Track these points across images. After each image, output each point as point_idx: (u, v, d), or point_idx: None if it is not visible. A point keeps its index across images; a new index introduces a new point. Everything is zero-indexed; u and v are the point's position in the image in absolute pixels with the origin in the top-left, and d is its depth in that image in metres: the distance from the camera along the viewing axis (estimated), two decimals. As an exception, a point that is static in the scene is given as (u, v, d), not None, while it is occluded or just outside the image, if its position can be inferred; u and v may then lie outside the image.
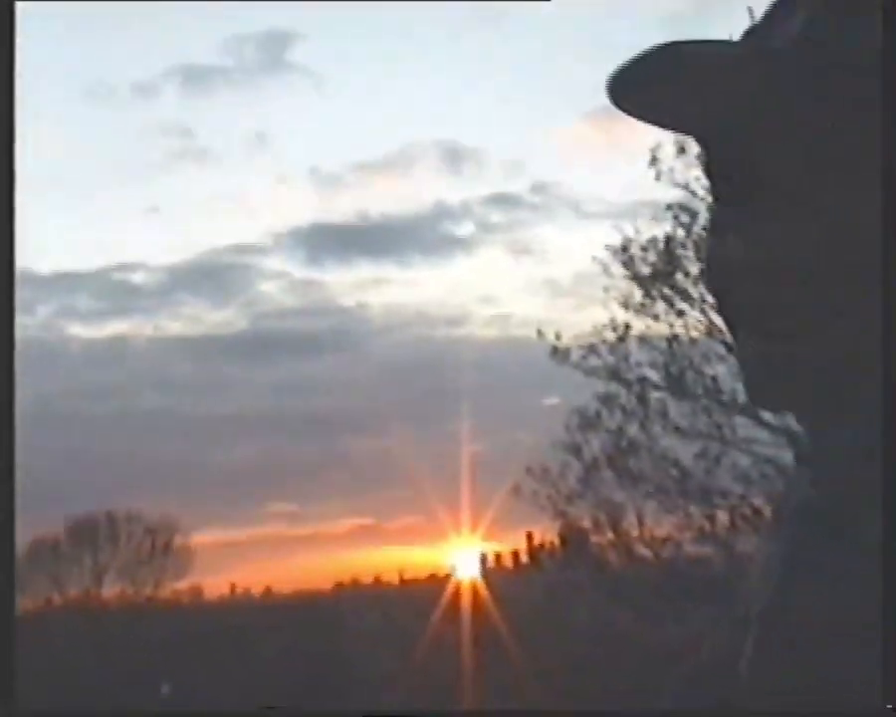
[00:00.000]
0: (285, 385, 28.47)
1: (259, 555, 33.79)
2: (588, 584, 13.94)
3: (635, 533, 13.05)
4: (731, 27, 0.87)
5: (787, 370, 0.79)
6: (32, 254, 32.65)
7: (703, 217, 11.10)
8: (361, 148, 37.47)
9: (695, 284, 11.74)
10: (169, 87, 39.58)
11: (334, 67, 33.88)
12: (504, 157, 36.89)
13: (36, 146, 25.38)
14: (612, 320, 12.58)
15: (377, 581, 26.50)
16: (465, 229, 35.63)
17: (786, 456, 11.13)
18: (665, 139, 11.38)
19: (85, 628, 19.92)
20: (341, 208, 35.77)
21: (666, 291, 12.39)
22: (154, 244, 36.76)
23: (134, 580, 22.39)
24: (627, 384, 12.62)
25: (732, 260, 0.79)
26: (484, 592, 17.42)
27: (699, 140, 0.85)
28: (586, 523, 13.31)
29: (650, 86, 0.78)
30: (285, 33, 34.04)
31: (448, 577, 19.28)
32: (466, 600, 17.34)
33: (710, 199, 0.86)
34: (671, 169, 11.80)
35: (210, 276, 29.43)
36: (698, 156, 9.63)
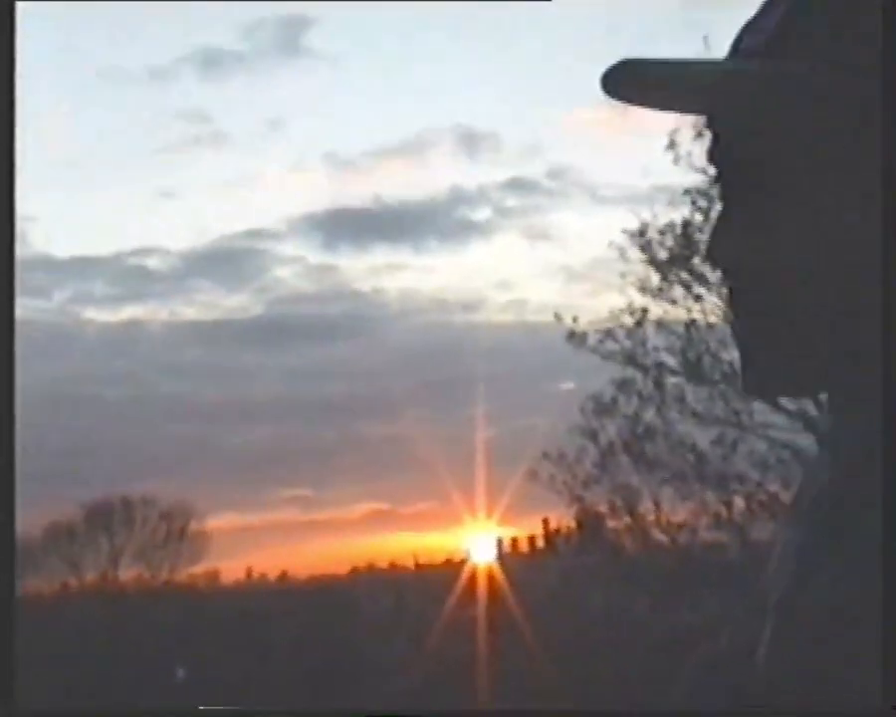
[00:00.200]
0: (300, 371, 28.51)
1: (275, 540, 33.93)
2: (604, 569, 13.95)
3: (651, 518, 13.04)
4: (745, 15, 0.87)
5: (794, 355, 0.78)
6: (48, 239, 32.88)
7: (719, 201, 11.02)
8: (377, 133, 37.36)
9: (712, 269, 11.68)
10: (185, 71, 39.53)
11: (350, 51, 33.78)
12: (520, 142, 36.83)
13: (52, 132, 25.49)
14: (630, 304, 12.56)
15: (393, 566, 26.55)
16: (481, 214, 35.63)
17: (804, 441, 11.09)
18: (683, 123, 11.31)
19: (102, 612, 20.00)
20: (357, 193, 35.74)
21: (684, 275, 12.36)
22: (170, 229, 36.77)
23: (150, 564, 22.48)
24: (644, 369, 12.60)
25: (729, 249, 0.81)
26: (500, 577, 17.42)
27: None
28: (602, 508, 13.31)
29: (646, 76, 0.78)
30: (301, 18, 34.00)
31: (464, 562, 19.29)
32: (482, 586, 17.35)
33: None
34: (689, 153, 11.75)
35: (225, 261, 29.47)
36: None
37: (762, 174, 0.78)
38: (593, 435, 12.83)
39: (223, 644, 18.27)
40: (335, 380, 27.96)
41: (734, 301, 0.82)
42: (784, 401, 11.30)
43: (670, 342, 12.52)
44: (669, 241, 12.39)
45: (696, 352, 12.32)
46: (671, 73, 0.78)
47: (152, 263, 33.54)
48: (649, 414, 12.62)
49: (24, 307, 23.31)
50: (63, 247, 42.16)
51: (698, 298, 12.30)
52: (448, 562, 22.68)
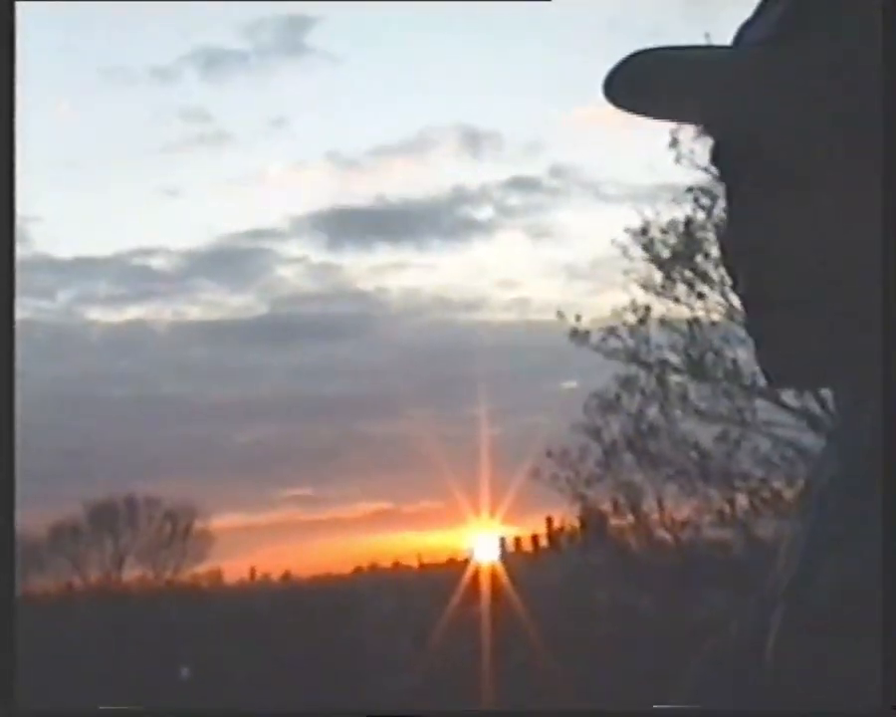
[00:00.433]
0: (303, 370, 28.52)
1: (278, 539, 33.92)
2: (608, 567, 13.96)
3: (655, 516, 13.06)
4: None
5: (807, 346, 0.78)
6: (51, 239, 32.86)
7: (723, 200, 11.03)
8: (380, 132, 37.25)
9: (716, 266, 11.69)
10: (188, 71, 39.51)
11: (352, 50, 33.73)
12: (522, 140, 36.75)
13: (55, 131, 25.47)
14: (632, 302, 12.57)
15: (396, 565, 26.56)
16: (484, 213, 35.51)
17: (807, 439, 11.09)
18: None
19: (106, 612, 20.04)
20: (360, 192, 35.67)
21: (687, 273, 12.36)
22: (173, 229, 36.73)
23: (155, 563, 22.51)
24: (647, 367, 12.61)
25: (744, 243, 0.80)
26: (503, 575, 17.42)
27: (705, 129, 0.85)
28: (606, 506, 13.33)
29: (646, 82, 0.78)
30: (303, 17, 33.89)
31: (467, 561, 19.29)
32: (485, 585, 17.34)
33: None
34: (691, 151, 11.76)
35: (229, 261, 29.45)
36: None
37: (768, 170, 0.78)
38: (597, 433, 12.84)
39: (226, 644, 18.28)
40: (338, 379, 27.98)
41: (752, 292, 0.81)
42: (787, 398, 11.30)
43: (673, 339, 12.54)
44: (672, 239, 12.40)
45: (699, 349, 12.33)
46: (672, 80, 0.77)
47: (156, 263, 33.55)
48: (652, 412, 12.64)
49: (28, 308, 23.37)
50: (66, 247, 42.16)
51: (701, 295, 12.30)
52: (451, 561, 22.70)
